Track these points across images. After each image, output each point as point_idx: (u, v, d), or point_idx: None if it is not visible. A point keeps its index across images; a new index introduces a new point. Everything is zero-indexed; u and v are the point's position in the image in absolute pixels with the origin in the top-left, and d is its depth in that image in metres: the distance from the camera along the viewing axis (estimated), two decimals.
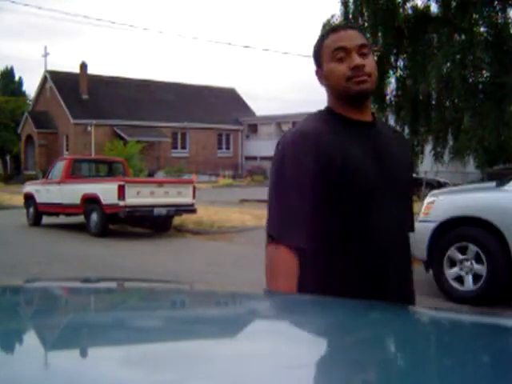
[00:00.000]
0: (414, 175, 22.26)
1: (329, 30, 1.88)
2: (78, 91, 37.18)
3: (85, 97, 37.24)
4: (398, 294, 1.81)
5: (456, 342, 1.11)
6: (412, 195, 2.02)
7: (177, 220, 13.45)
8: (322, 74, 1.82)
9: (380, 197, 1.75)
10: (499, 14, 10.12)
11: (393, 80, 11.19)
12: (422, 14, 10.67)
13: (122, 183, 12.10)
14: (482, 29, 10.15)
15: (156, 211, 12.25)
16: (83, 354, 0.97)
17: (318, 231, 1.73)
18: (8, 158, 41.78)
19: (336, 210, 1.73)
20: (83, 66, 38.06)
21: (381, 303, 1.61)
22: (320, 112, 1.85)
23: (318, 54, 1.84)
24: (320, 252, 1.74)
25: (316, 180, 1.69)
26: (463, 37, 9.94)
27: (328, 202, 1.72)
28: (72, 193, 13.16)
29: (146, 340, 1.03)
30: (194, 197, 12.82)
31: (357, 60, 1.72)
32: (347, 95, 1.76)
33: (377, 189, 1.75)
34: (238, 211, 15.49)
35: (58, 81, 38.18)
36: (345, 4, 10.47)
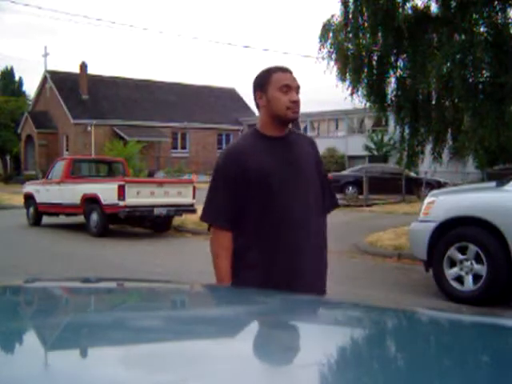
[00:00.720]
0: (414, 175, 22.27)
1: (277, 68, 2.48)
2: (78, 91, 37.15)
3: (85, 97, 37.22)
4: (311, 263, 2.47)
5: (456, 342, 1.11)
6: (328, 180, 2.70)
7: (177, 220, 13.44)
8: (266, 98, 2.45)
9: (289, 187, 2.41)
10: (499, 13, 10.11)
11: (393, 80, 11.19)
12: (422, 13, 10.66)
13: (121, 183, 12.10)
14: (482, 29, 10.14)
15: (156, 211, 12.25)
16: (83, 353, 0.97)
17: (241, 216, 2.42)
18: (8, 158, 41.75)
19: (254, 198, 2.40)
20: (83, 66, 38.04)
21: (380, 305, 1.61)
22: (247, 132, 2.64)
23: (265, 82, 2.45)
24: (245, 232, 2.43)
25: (237, 181, 2.40)
26: (463, 37, 9.93)
27: (248, 194, 2.40)
28: (72, 193, 13.15)
29: (146, 340, 1.03)
30: (194, 197, 12.81)
31: (296, 97, 2.42)
32: (282, 119, 2.44)
33: (285, 181, 2.41)
34: None
35: (58, 81, 38.16)
36: (345, 4, 10.46)
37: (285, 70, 2.48)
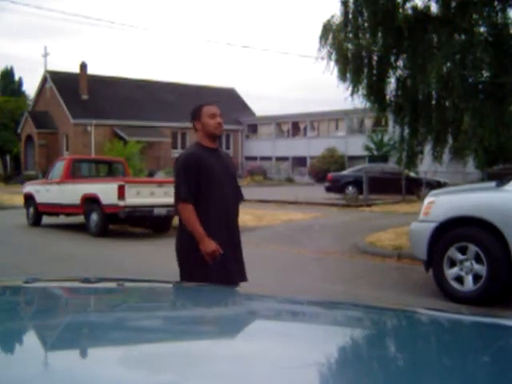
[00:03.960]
0: (414, 175, 22.29)
1: (206, 103, 3.91)
2: (78, 91, 37.15)
3: (85, 97, 37.22)
4: (234, 229, 3.91)
5: (456, 342, 1.11)
6: (236, 182, 4.07)
7: (177, 220, 13.40)
8: (200, 123, 3.83)
9: (223, 181, 3.80)
10: (499, 13, 10.10)
11: (393, 80, 11.17)
12: (422, 13, 10.65)
13: (121, 183, 12.09)
14: (482, 29, 10.13)
15: (156, 211, 12.25)
16: (83, 353, 0.97)
17: (196, 198, 3.71)
18: (8, 158, 41.75)
19: (203, 187, 3.72)
20: (83, 66, 38.04)
21: (380, 305, 1.61)
22: (194, 144, 3.97)
23: (199, 113, 3.84)
24: (198, 208, 3.70)
25: (194, 173, 3.70)
26: (463, 37, 9.92)
27: (199, 183, 3.71)
28: (72, 193, 13.15)
29: (146, 340, 1.03)
30: None
31: (220, 120, 3.85)
32: (212, 134, 3.84)
33: (221, 176, 3.79)
34: None
35: (58, 81, 38.15)
36: (345, 4, 10.44)
37: (211, 104, 3.90)
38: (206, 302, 1.56)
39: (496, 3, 10.06)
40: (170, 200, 12.87)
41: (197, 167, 3.70)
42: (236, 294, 1.71)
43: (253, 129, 45.18)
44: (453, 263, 6.35)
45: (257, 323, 1.27)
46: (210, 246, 3.62)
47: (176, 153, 39.42)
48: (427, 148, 11.61)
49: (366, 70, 10.83)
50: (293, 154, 39.23)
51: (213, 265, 3.63)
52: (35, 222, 14.59)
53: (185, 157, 3.83)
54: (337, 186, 22.61)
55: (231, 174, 3.98)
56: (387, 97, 11.32)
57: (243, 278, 3.87)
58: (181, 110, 40.02)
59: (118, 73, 69.64)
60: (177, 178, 3.81)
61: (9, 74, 51.31)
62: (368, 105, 11.54)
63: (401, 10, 10.45)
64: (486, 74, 10.38)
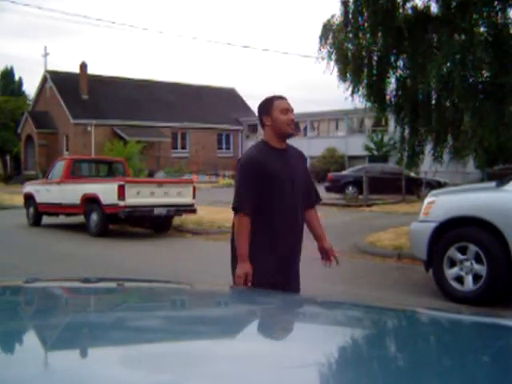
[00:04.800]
0: (414, 175, 22.27)
1: (278, 96, 3.42)
2: (78, 91, 37.12)
3: (85, 97, 37.19)
4: (295, 241, 3.44)
5: (456, 342, 1.11)
6: (312, 183, 3.69)
7: (177, 220, 13.43)
8: (270, 118, 3.34)
9: (286, 185, 3.34)
10: (499, 13, 10.10)
11: (393, 80, 11.16)
12: (422, 13, 10.64)
13: (122, 183, 12.07)
14: (482, 29, 10.12)
15: (156, 211, 12.24)
16: (83, 353, 0.97)
17: (258, 206, 3.29)
18: (8, 158, 41.72)
19: (264, 193, 3.29)
20: (83, 66, 38.01)
21: (380, 305, 1.61)
22: (258, 143, 3.47)
23: (270, 107, 3.36)
24: (259, 217, 3.29)
25: (256, 179, 3.28)
26: (463, 37, 9.91)
27: (261, 188, 3.28)
28: (72, 193, 13.14)
29: (146, 340, 1.03)
30: (194, 197, 12.80)
31: (292, 116, 3.37)
32: (283, 133, 3.36)
33: (284, 181, 3.34)
34: None
35: (58, 81, 38.11)
36: (345, 4, 10.44)
37: (282, 98, 3.44)
38: (205, 302, 1.56)
39: (496, 3, 10.06)
40: (170, 200, 12.94)
41: (257, 173, 3.28)
42: (236, 293, 1.71)
43: (253, 129, 45.18)
44: (453, 263, 6.35)
45: (257, 323, 1.27)
46: (245, 269, 3.26)
47: (176, 153, 39.51)
48: (427, 148, 11.61)
49: (365, 70, 10.83)
50: None
51: (273, 277, 3.30)
52: (35, 222, 14.59)
53: (245, 160, 3.39)
54: (337, 186, 22.60)
55: (301, 178, 3.46)
56: (387, 97, 11.32)
57: (298, 291, 3.52)
58: (181, 110, 40.04)
59: (118, 73, 69.59)
60: (236, 183, 3.44)
61: (9, 74, 51.29)
62: (368, 105, 11.53)
63: (401, 10, 10.45)
64: (486, 74, 10.38)
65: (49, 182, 14.23)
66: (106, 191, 12.24)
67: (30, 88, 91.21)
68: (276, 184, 3.32)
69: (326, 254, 3.62)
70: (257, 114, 3.48)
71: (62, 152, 35.13)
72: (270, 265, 3.32)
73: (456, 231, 6.35)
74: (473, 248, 6.17)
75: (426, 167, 15.42)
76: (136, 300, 1.57)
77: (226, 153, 42.80)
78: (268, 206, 3.33)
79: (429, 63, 9.77)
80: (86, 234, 12.55)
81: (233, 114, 43.08)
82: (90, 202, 12.51)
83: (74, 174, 14.03)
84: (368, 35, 10.60)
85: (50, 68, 39.56)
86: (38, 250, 10.57)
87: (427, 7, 10.84)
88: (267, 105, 3.39)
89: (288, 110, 3.35)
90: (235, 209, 3.35)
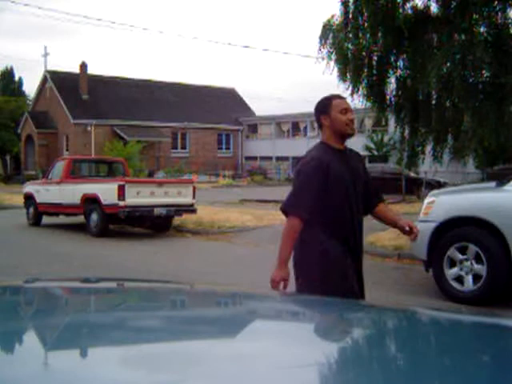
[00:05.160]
0: (414, 175, 22.28)
1: (336, 95, 3.36)
2: (78, 91, 37.14)
3: (85, 97, 37.21)
4: (356, 244, 3.32)
5: (456, 342, 1.11)
6: (372, 183, 3.52)
7: (177, 220, 13.43)
8: (329, 118, 3.24)
9: (349, 187, 3.24)
10: (499, 13, 10.11)
11: (393, 80, 11.18)
12: (422, 13, 10.66)
13: (121, 183, 12.07)
14: (481, 29, 10.14)
15: (156, 211, 12.23)
16: (83, 353, 0.97)
17: (319, 210, 3.15)
18: (8, 158, 41.72)
19: (327, 195, 3.16)
20: (83, 66, 38.03)
21: (380, 305, 1.62)
22: (319, 145, 3.34)
23: (329, 106, 3.25)
24: (320, 220, 3.18)
25: (322, 182, 3.14)
26: (463, 37, 9.92)
27: (324, 191, 3.15)
28: (72, 193, 13.13)
29: (146, 340, 1.03)
30: (193, 197, 12.80)
31: (352, 116, 3.25)
32: (342, 134, 3.25)
33: (348, 182, 3.23)
34: (238, 211, 15.45)
35: (58, 81, 38.13)
36: (345, 4, 10.45)
37: (342, 98, 3.38)
38: (206, 302, 1.56)
39: (496, 3, 10.06)
40: (170, 200, 12.94)
41: (323, 176, 3.14)
42: (236, 294, 1.71)
43: (253, 129, 45.17)
44: (453, 263, 6.34)
45: (257, 323, 1.27)
46: (283, 275, 3.14)
47: (176, 153, 39.51)
48: (427, 148, 11.61)
49: (365, 70, 10.84)
50: (293, 153, 39.14)
51: (337, 281, 3.20)
52: (35, 221, 14.58)
53: (310, 161, 3.23)
54: None
55: (362, 180, 3.37)
56: (387, 97, 11.33)
57: (363, 297, 3.40)
58: (181, 110, 40.04)
59: (118, 73, 69.60)
60: (295, 183, 3.26)
61: (9, 73, 51.26)
62: (368, 105, 11.54)
63: (401, 10, 10.46)
64: (485, 73, 10.38)
65: (49, 182, 14.22)
66: (105, 191, 12.23)
67: (30, 88, 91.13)
68: (341, 187, 3.20)
69: (410, 229, 3.37)
70: (314, 113, 3.37)
71: (62, 152, 35.13)
72: (345, 270, 3.22)
73: (456, 231, 6.35)
74: (473, 248, 6.17)
75: (426, 167, 15.44)
76: (136, 300, 1.57)
77: (225, 153, 42.80)
78: (330, 209, 3.19)
79: (429, 63, 9.77)
80: (85, 233, 12.55)
81: (233, 114, 43.08)
82: (90, 202, 12.50)
83: (73, 173, 14.03)
84: (368, 35, 10.61)
85: (50, 68, 39.61)
86: (38, 249, 10.56)
87: (427, 7, 10.86)
88: (326, 104, 3.28)
89: (347, 109, 3.24)
90: (287, 211, 3.20)
